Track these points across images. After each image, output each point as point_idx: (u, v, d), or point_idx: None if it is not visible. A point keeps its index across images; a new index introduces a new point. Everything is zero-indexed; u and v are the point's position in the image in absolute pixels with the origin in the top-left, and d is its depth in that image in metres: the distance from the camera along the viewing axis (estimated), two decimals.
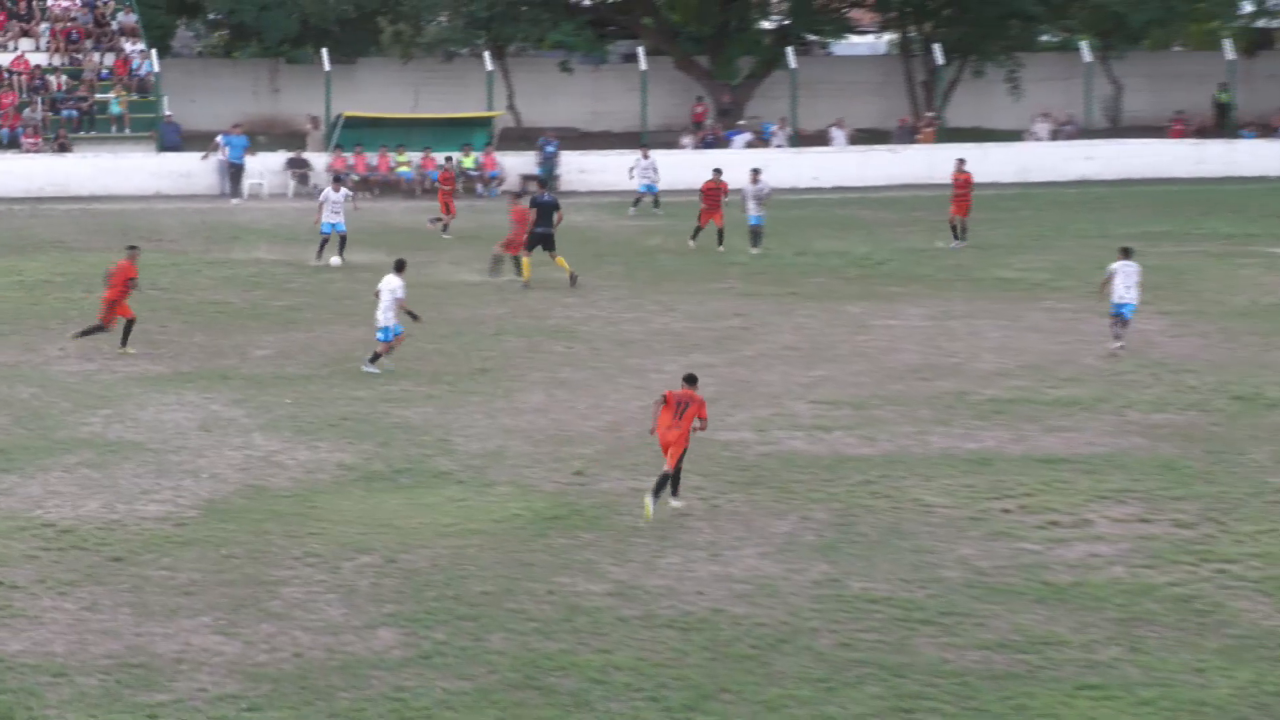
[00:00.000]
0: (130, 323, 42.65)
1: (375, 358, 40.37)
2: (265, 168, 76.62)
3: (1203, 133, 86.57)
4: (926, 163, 78.30)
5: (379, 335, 40.38)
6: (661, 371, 40.61)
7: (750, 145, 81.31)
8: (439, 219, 63.09)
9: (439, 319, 46.49)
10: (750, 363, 41.77)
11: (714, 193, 59.18)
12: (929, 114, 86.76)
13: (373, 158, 76.98)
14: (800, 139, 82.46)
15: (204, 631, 24.05)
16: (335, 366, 41.23)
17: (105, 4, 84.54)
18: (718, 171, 60.47)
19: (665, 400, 29.82)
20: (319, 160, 77.12)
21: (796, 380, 39.90)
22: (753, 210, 58.69)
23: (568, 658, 23.24)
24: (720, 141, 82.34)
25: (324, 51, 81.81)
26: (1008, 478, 31.69)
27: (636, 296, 50.21)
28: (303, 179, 76.17)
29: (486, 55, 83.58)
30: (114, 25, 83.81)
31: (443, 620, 24.55)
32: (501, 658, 23.23)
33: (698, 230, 59.11)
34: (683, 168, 72.25)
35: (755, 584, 26.19)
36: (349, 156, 76.76)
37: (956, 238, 59.76)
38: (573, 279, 51.62)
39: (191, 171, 76.21)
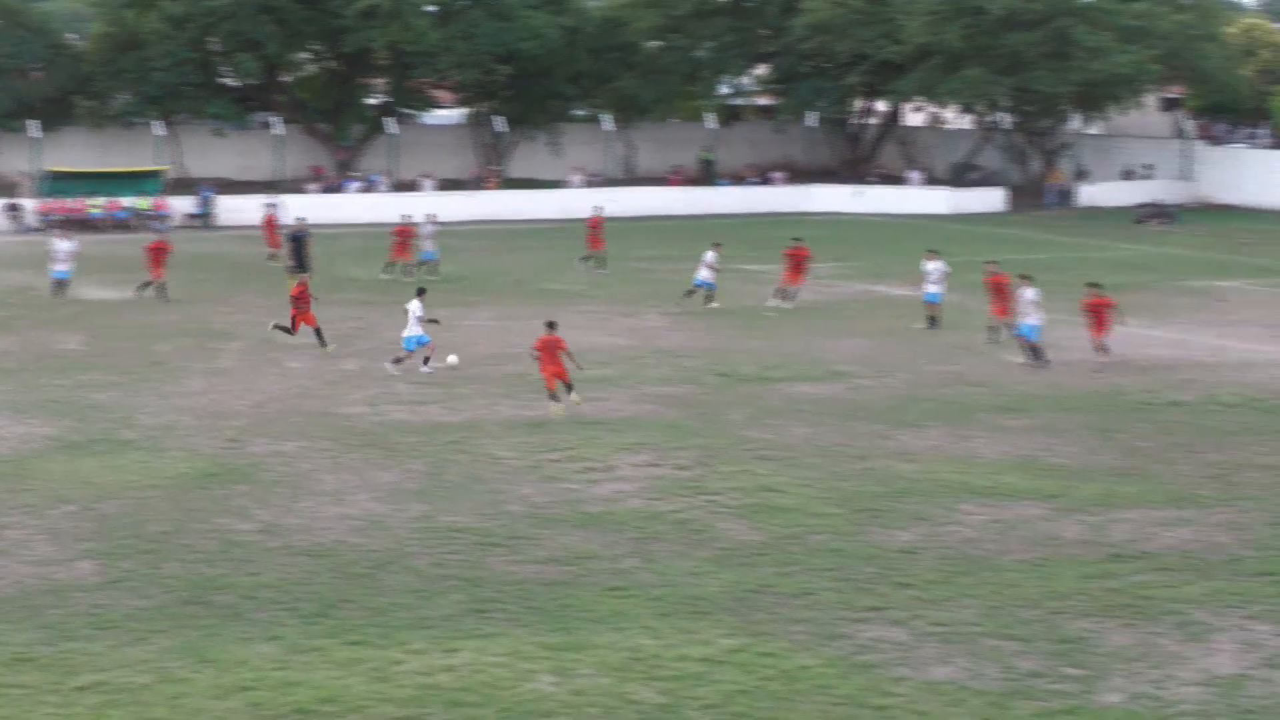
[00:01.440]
0: (318, 330, 41.57)
1: (398, 361, 38.57)
2: None
3: (693, 182, 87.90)
4: (493, 205, 78.40)
5: (405, 345, 38.64)
6: (296, 362, 40.13)
7: (361, 191, 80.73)
8: (275, 254, 60.90)
9: (123, 324, 45.45)
10: (365, 354, 41.38)
11: (404, 233, 57.36)
12: (494, 168, 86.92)
13: (71, 203, 75.02)
14: (399, 186, 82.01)
15: None
16: (42, 362, 39.95)
17: None
18: (405, 216, 58.97)
19: (539, 351, 34.02)
20: (30, 205, 75.07)
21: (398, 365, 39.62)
22: (428, 247, 57.42)
23: (226, 580, 22.85)
24: (338, 189, 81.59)
25: (33, 122, 79.74)
26: (556, 436, 31.81)
27: (278, 305, 49.34)
28: (17, 220, 74.12)
29: (159, 123, 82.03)
30: None
31: (129, 553, 23.99)
32: (175, 581, 22.80)
33: (390, 265, 57.13)
34: (310, 209, 71.20)
35: (368, 520, 25.98)
36: (53, 202, 74.90)
37: (600, 267, 58.90)
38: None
39: None
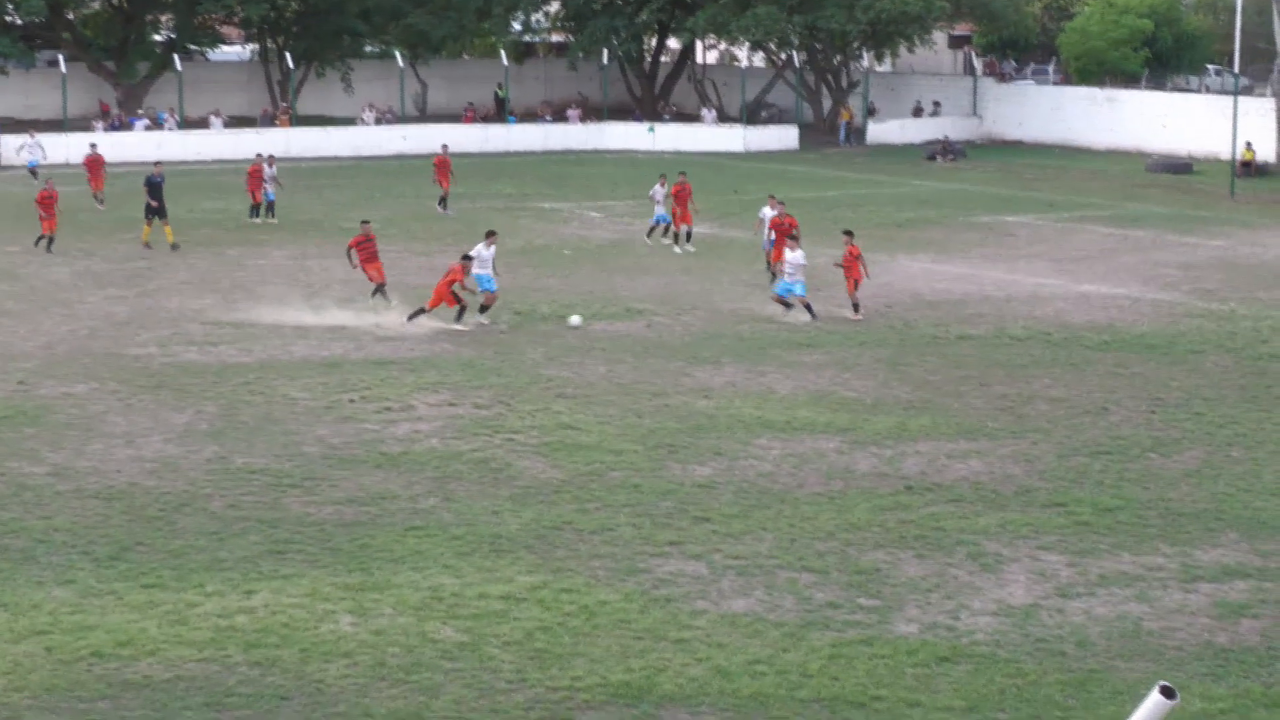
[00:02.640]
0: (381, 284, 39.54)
1: (484, 309, 37.40)
2: None
3: (487, 119, 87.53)
4: (285, 141, 77.27)
5: (481, 284, 37.25)
6: (84, 303, 39.48)
7: (148, 129, 79.31)
8: (100, 196, 58.24)
9: None
10: (154, 294, 40.80)
11: (255, 173, 55.68)
12: (284, 105, 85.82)
13: None
14: (187, 124, 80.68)
15: None
16: None
17: None
18: (259, 155, 57.09)
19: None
20: None
21: (190, 306, 39.15)
22: (269, 188, 55.67)
23: (18, 524, 22.47)
24: (125, 126, 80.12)
25: None
26: (352, 376, 31.64)
27: (62, 245, 48.41)
28: None
29: None
30: None
31: None
32: None
33: (255, 208, 55.11)
34: (102, 147, 69.66)
35: (161, 462, 25.67)
36: None
37: (444, 208, 57.84)
38: (174, 246, 48.31)
39: None
